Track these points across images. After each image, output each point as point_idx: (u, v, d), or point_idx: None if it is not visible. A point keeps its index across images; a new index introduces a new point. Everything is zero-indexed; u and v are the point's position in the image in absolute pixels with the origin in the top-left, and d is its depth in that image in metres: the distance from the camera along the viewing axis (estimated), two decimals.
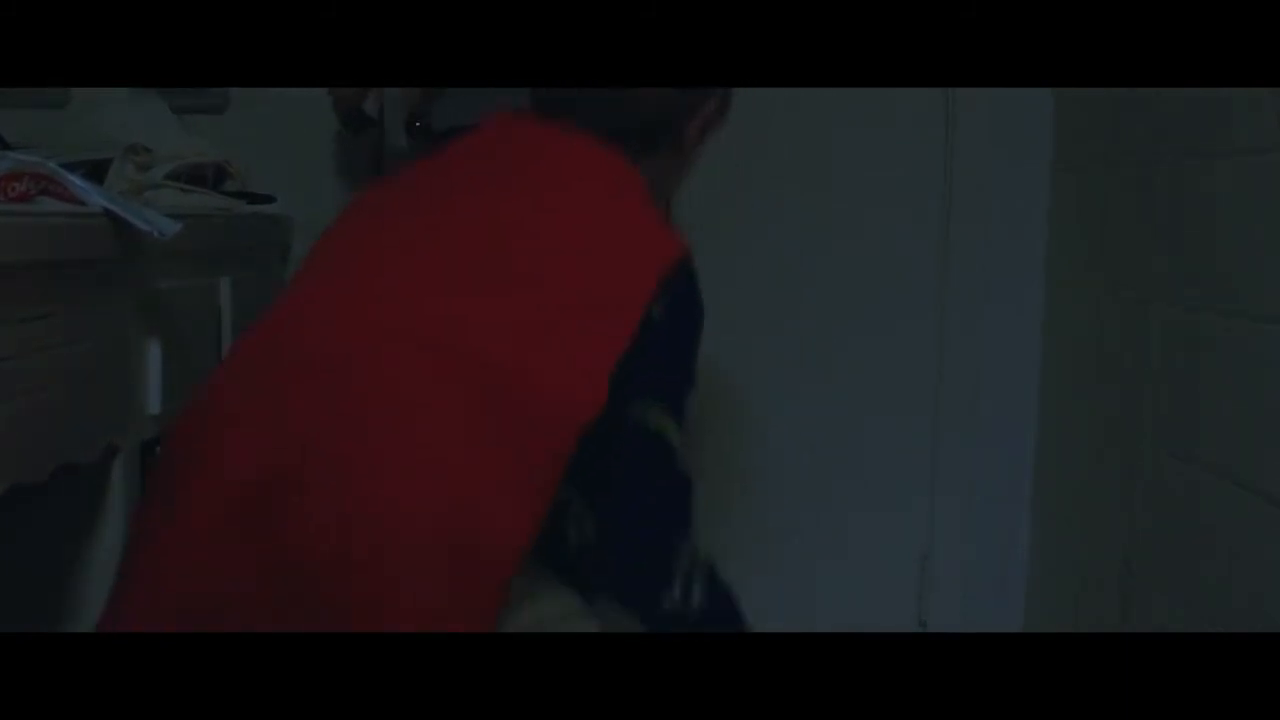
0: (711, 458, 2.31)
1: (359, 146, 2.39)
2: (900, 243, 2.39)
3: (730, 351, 2.29)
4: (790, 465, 2.42)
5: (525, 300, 1.29)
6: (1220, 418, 1.62)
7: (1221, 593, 1.60)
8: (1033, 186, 2.31)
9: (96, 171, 1.76)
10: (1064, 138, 2.28)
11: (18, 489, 1.27)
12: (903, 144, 2.38)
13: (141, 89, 1.95)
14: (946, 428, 2.38)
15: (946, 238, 2.37)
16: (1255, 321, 1.53)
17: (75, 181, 1.45)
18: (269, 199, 2.15)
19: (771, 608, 2.37)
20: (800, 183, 2.40)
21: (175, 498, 1.29)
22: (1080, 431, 2.16)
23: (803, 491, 2.41)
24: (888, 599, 2.41)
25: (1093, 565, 2.05)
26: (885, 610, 2.39)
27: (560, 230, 1.35)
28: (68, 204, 1.43)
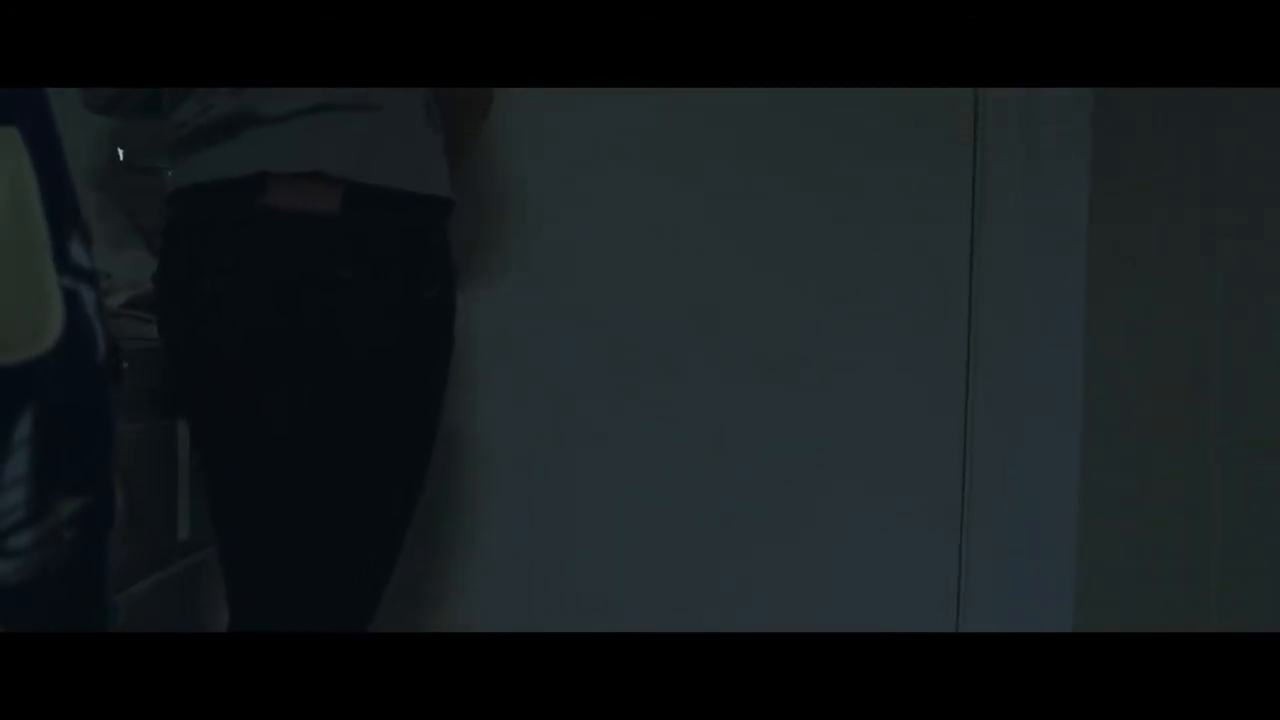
0: (749, 457, 2.31)
1: None
2: (930, 293, 2.30)
3: (771, 351, 2.30)
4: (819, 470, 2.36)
5: None
6: None
7: None
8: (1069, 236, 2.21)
9: None
10: (1100, 185, 2.16)
11: None
12: (928, 217, 2.29)
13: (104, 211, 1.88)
14: (983, 418, 2.29)
15: (974, 308, 2.29)
16: None
17: None
18: None
19: (802, 608, 2.32)
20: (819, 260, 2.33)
21: None
22: (1130, 432, 2.04)
23: (829, 495, 2.35)
24: (924, 600, 2.34)
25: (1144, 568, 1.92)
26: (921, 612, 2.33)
27: None
28: None
